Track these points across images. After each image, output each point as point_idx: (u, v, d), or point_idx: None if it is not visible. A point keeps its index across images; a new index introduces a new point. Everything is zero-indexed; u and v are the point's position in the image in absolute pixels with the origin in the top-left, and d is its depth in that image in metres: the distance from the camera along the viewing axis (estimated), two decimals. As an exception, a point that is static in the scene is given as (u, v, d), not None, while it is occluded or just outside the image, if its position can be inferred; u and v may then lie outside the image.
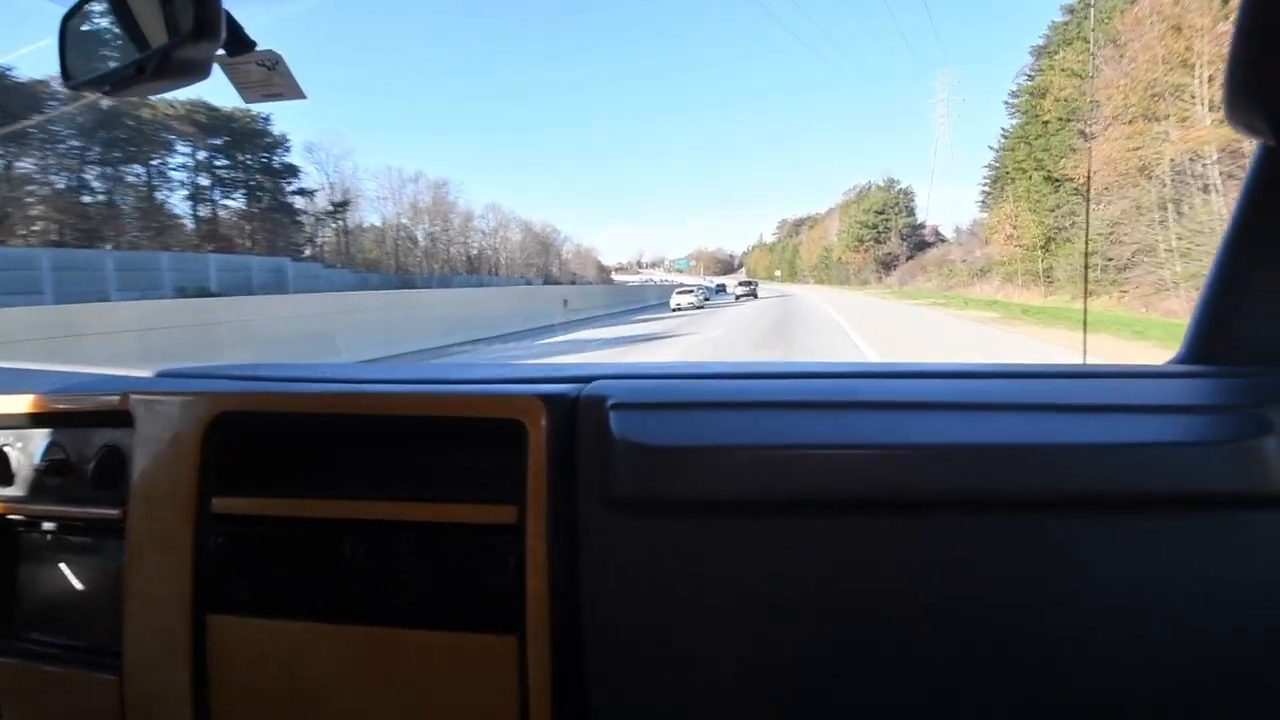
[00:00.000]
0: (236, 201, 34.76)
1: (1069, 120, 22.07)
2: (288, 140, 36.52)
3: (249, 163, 34.17)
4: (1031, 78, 25.60)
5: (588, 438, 0.64)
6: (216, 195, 33.16)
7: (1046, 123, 23.01)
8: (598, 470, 0.62)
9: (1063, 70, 22.61)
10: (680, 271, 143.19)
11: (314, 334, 12.12)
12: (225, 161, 33.45)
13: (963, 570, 0.58)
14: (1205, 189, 14.62)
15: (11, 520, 0.77)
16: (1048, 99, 23.05)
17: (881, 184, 52.60)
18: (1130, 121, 16.78)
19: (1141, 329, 10.49)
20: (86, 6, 0.70)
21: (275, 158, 35.65)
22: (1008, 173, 25.61)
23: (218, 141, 32.77)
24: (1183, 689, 0.57)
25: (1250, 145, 0.71)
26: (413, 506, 0.65)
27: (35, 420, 0.77)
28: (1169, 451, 0.57)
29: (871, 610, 0.59)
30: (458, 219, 57.61)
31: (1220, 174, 13.91)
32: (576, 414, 0.66)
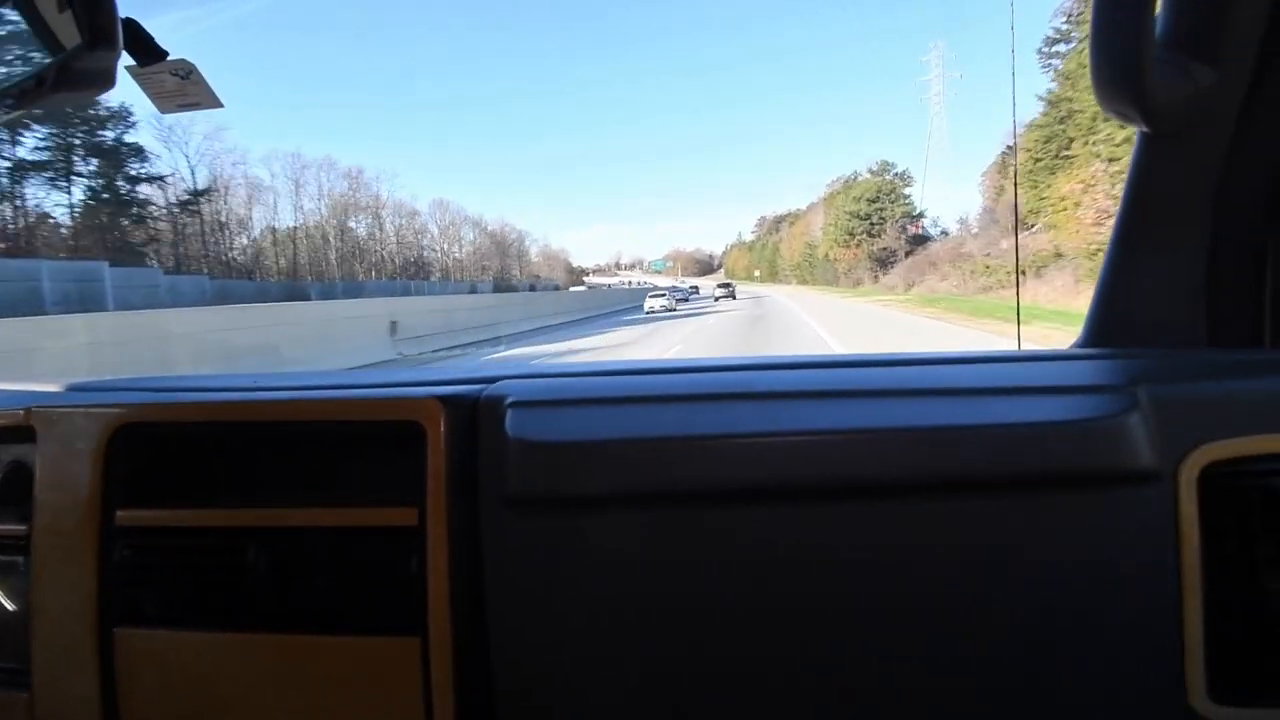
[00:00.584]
0: (65, 190, 27.08)
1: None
2: (132, 114, 28.59)
3: (78, 140, 26.74)
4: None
5: (487, 438, 0.65)
6: (29, 182, 25.72)
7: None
8: (497, 470, 0.63)
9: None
10: (658, 273, 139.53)
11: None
12: (41, 138, 26.08)
13: (856, 556, 0.60)
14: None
15: None
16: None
17: (874, 168, 45.62)
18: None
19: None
20: None
21: (112, 135, 28.03)
22: (1073, 124, 18.45)
23: (37, 112, 25.33)
24: (1059, 659, 0.59)
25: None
26: (315, 512, 0.65)
27: None
28: (1049, 430, 0.58)
29: (771, 599, 0.60)
30: (397, 217, 50.79)
31: None
32: (477, 414, 0.66)
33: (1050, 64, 22.67)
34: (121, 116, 28.25)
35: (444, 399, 0.65)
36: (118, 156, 28.78)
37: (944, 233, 38.80)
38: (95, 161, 28.02)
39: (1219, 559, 0.57)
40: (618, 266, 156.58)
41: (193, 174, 33.18)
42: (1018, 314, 1.42)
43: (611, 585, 0.61)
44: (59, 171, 26.99)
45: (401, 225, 51.58)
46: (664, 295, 30.29)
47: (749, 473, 0.60)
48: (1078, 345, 0.82)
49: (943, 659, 0.59)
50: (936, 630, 0.59)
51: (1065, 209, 17.66)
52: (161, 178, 31.13)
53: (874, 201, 42.84)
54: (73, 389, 0.80)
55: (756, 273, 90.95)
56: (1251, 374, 0.63)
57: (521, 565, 0.62)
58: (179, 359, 10.76)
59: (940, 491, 0.59)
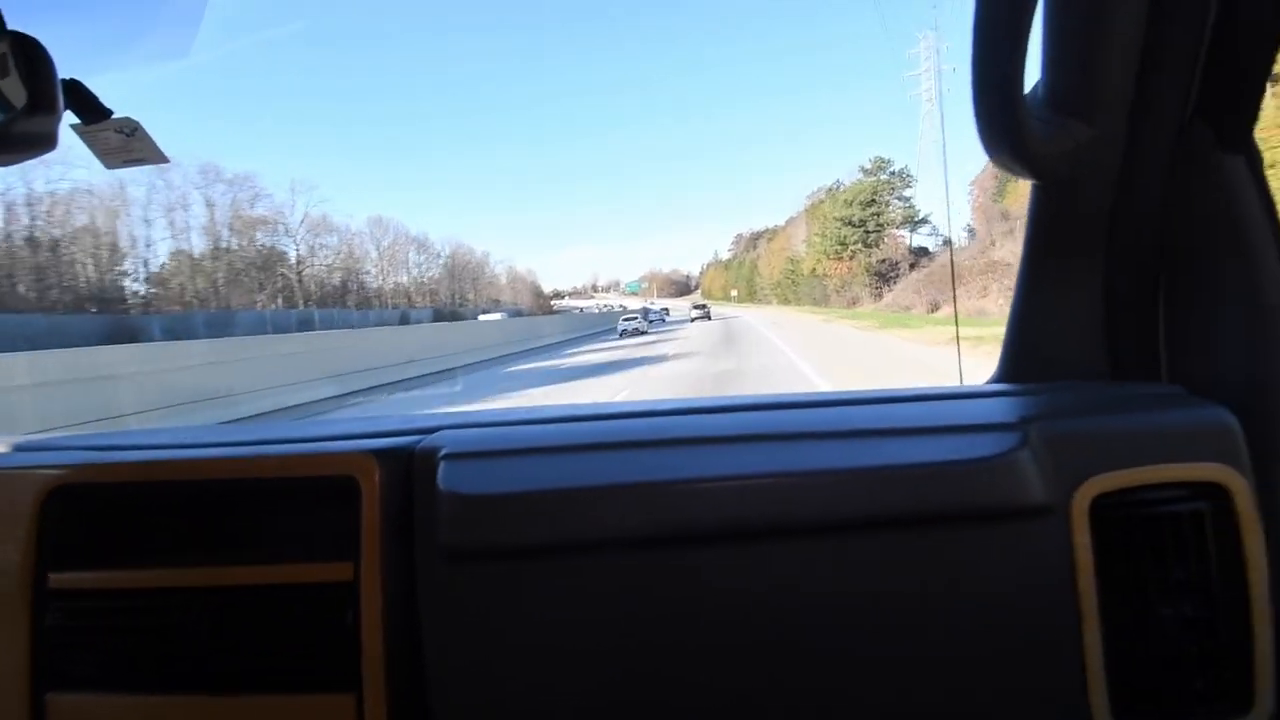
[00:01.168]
0: None
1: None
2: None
3: None
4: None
5: (423, 491, 0.66)
6: None
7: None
8: (432, 523, 0.64)
9: None
10: (633, 294, 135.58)
11: None
12: None
13: (782, 595, 0.62)
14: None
15: None
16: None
17: (867, 166, 37.99)
18: None
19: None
20: None
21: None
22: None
23: None
24: (970, 687, 0.62)
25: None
26: (250, 570, 0.66)
27: None
28: (952, 469, 0.62)
29: (709, 642, 0.62)
30: (321, 235, 44.21)
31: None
32: (412, 467, 0.68)
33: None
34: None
35: (378, 453, 0.67)
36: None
37: (946, 241, 32.96)
38: None
39: (1114, 586, 0.61)
40: (594, 289, 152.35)
41: None
42: (957, 344, 1.49)
43: (550, 637, 0.62)
44: None
45: (317, 244, 45.22)
46: (636, 318, 31.60)
47: (680, 518, 0.62)
48: (992, 380, 0.87)
49: (858, 690, 0.62)
50: (853, 663, 0.62)
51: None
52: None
53: (869, 205, 36.26)
54: (9, 448, 0.78)
55: (734, 292, 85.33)
56: (1140, 407, 0.67)
57: (459, 619, 0.63)
58: None
59: (858, 530, 0.62)
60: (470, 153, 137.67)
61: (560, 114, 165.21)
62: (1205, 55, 0.69)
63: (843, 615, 0.62)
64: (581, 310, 78.51)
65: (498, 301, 67.11)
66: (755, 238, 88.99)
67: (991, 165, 0.74)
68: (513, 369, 17.82)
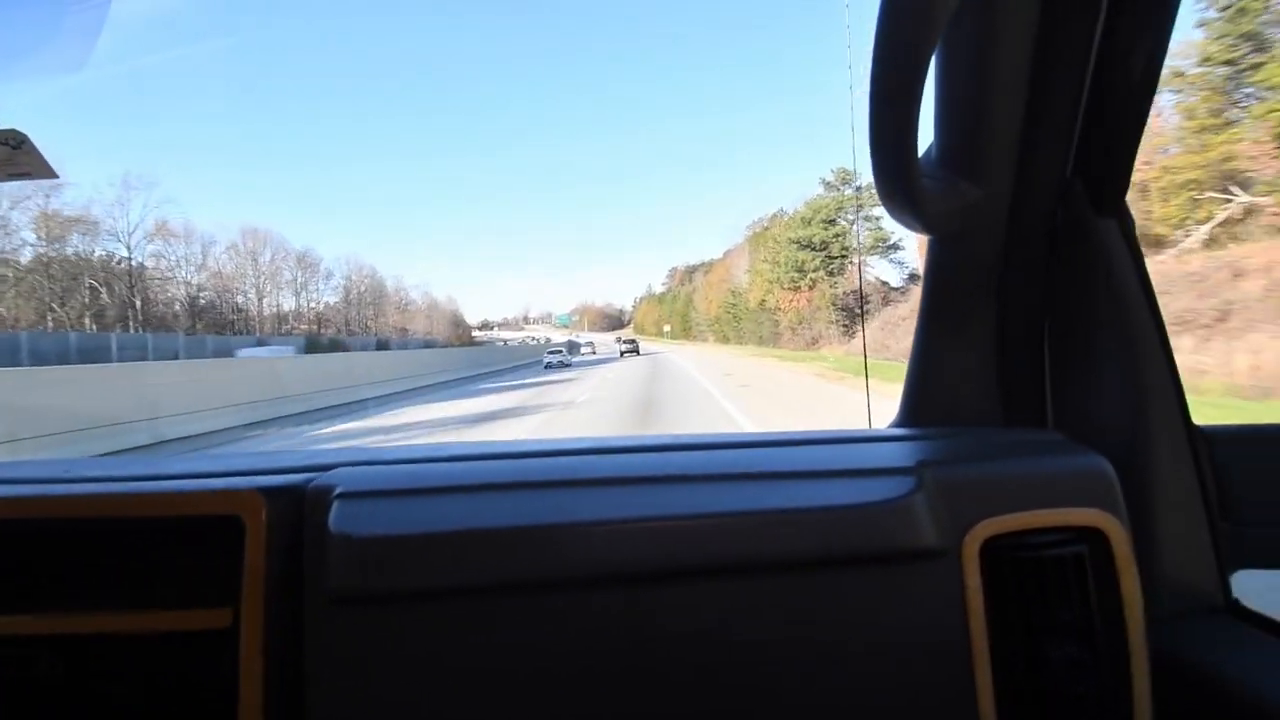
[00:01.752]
0: None
1: None
2: None
3: None
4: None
5: (313, 530, 0.62)
6: None
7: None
8: (321, 565, 0.61)
9: None
10: (564, 327, 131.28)
11: None
12: None
13: (683, 638, 0.62)
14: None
15: None
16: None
17: (829, 179, 31.57)
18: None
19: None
20: None
21: None
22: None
23: None
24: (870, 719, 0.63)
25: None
26: (119, 617, 0.61)
27: None
28: (851, 512, 0.63)
29: (613, 688, 0.61)
30: (174, 246, 35.50)
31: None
32: (303, 506, 0.63)
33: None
34: None
35: (266, 490, 0.63)
36: None
37: (912, 276, 27.89)
38: None
39: (1003, 627, 0.63)
40: (525, 320, 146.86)
41: None
42: (866, 384, 1.44)
43: (441, 686, 0.60)
44: None
45: (163, 255, 36.65)
46: (560, 351, 32.50)
47: (577, 560, 0.61)
48: (894, 424, 0.89)
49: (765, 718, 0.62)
50: (757, 703, 0.61)
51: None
52: None
53: (831, 225, 30.28)
54: None
55: (666, 328, 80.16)
56: (1027, 453, 0.69)
57: (345, 668, 0.59)
58: None
59: (764, 572, 0.62)
60: (388, 172, 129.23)
61: (485, 136, 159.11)
62: (1082, 119, 0.73)
63: (748, 656, 0.61)
64: (505, 342, 74.27)
65: (404, 330, 60.41)
66: (691, 271, 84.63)
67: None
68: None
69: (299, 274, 48.67)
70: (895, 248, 29.04)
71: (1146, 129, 0.72)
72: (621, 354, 39.79)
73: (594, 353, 55.90)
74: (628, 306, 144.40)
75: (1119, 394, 0.74)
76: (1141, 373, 0.73)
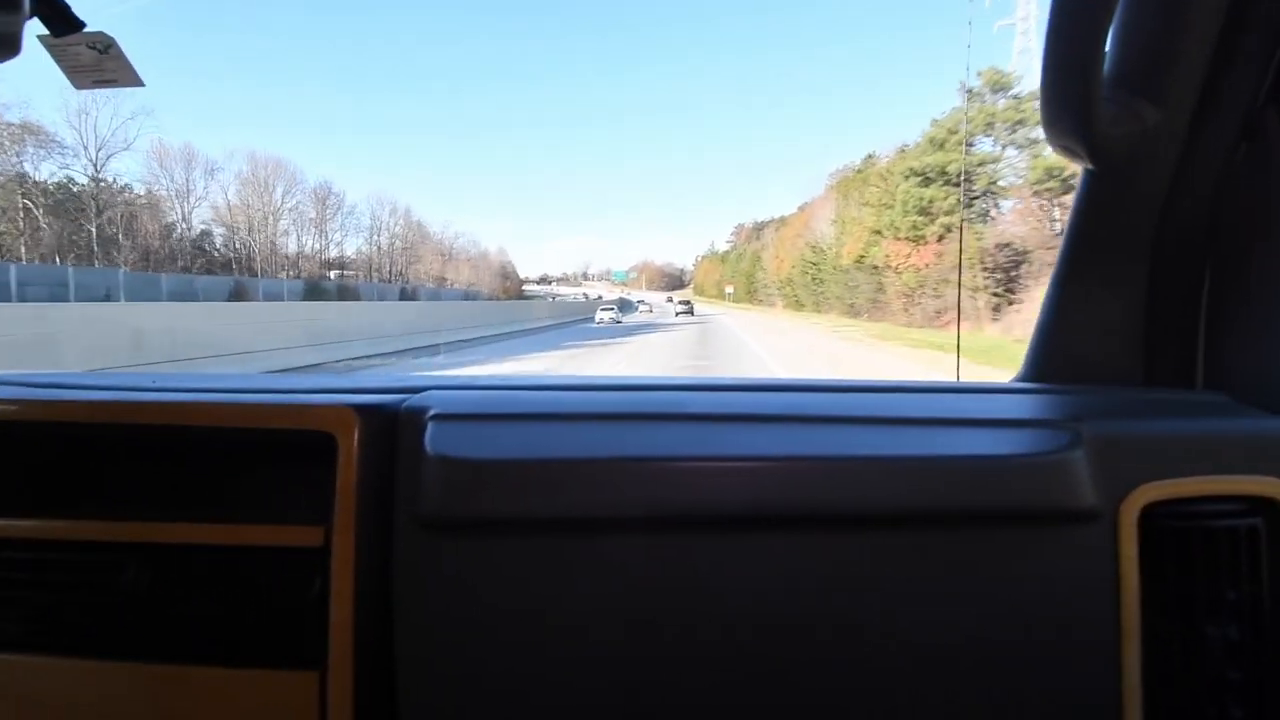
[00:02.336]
0: None
1: None
2: None
3: None
4: None
5: (407, 453, 0.60)
6: None
7: None
8: (414, 488, 0.59)
9: None
10: (620, 284, 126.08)
11: None
12: None
13: (800, 584, 0.58)
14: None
15: None
16: None
17: (976, 86, 20.38)
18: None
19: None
20: None
21: None
22: None
23: None
24: (996, 702, 0.58)
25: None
26: (205, 528, 0.60)
27: None
28: (994, 464, 0.58)
29: (703, 630, 0.58)
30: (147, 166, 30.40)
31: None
32: (397, 427, 0.61)
33: None
34: None
35: (360, 408, 0.61)
36: None
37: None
38: None
39: (1158, 602, 0.58)
40: (584, 276, 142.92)
41: None
42: (957, 344, 2.46)
43: (534, 619, 0.58)
44: None
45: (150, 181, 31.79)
46: (612, 309, 32.11)
47: (681, 498, 0.57)
48: (1017, 379, 0.82)
49: (878, 692, 0.58)
50: (869, 664, 0.58)
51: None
52: None
53: (973, 147, 20.25)
54: None
55: (729, 289, 72.41)
56: (1187, 414, 0.64)
57: (437, 595, 0.58)
58: None
59: (880, 524, 0.58)
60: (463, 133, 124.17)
61: (561, 102, 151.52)
62: None
63: (854, 614, 0.57)
64: (554, 298, 69.32)
65: (444, 280, 55.97)
66: (759, 227, 76.02)
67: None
68: None
69: (320, 210, 43.69)
70: (1070, 186, 19.00)
71: None
72: (676, 314, 40.76)
73: (650, 311, 53.75)
74: (689, 266, 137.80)
75: None
76: None
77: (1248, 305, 0.70)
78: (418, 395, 0.64)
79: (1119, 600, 0.57)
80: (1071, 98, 0.62)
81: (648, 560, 0.57)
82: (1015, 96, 21.04)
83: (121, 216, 31.03)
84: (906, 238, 22.11)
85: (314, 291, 31.74)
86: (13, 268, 19.95)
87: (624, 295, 73.26)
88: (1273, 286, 0.68)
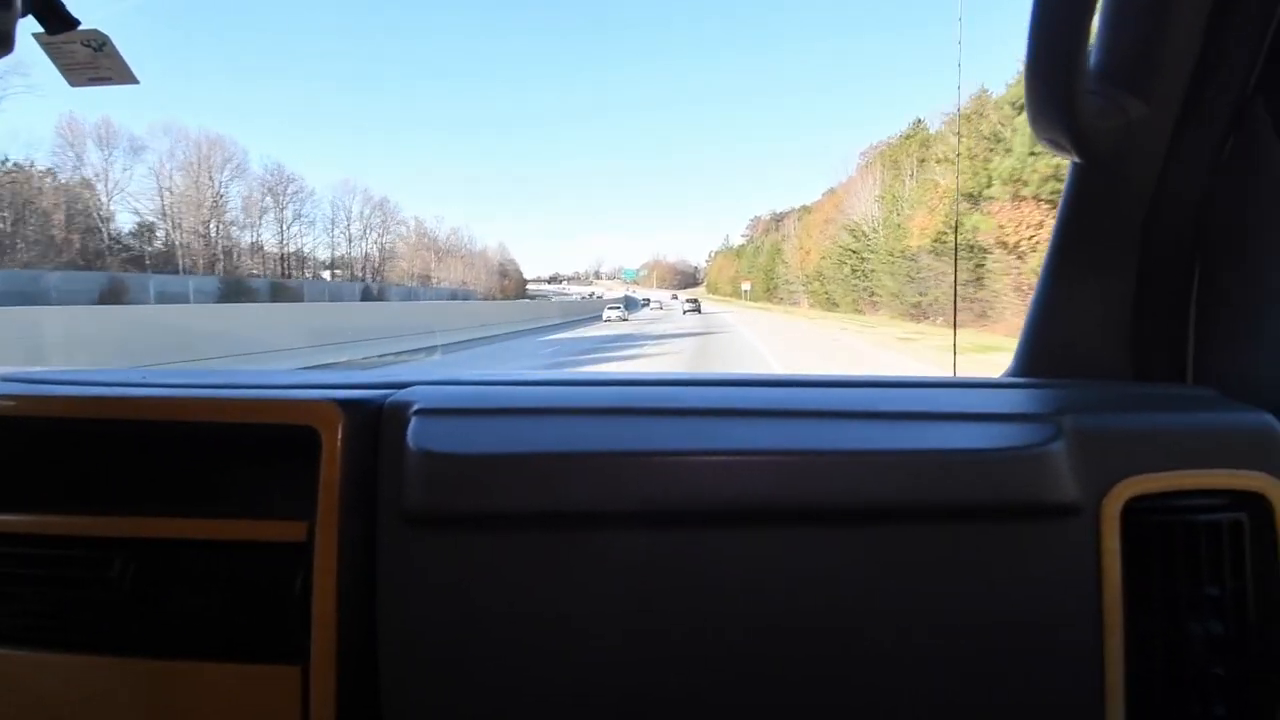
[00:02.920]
0: None
1: None
2: None
3: None
4: None
5: (390, 448, 0.61)
6: None
7: None
8: (397, 483, 0.59)
9: None
10: (631, 282, 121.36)
11: None
12: None
13: (787, 579, 0.58)
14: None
15: None
16: None
17: None
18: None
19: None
20: None
21: None
22: None
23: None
24: (977, 698, 0.58)
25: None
26: (189, 523, 0.60)
27: None
28: (978, 457, 0.58)
29: (688, 626, 0.58)
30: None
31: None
32: (380, 422, 0.62)
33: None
34: None
35: (344, 403, 0.61)
36: None
37: None
38: None
39: (1140, 598, 0.58)
40: (596, 275, 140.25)
41: None
42: (954, 341, 1.29)
43: (520, 616, 0.58)
44: None
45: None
46: (619, 307, 31.92)
47: (669, 492, 0.57)
48: (1007, 375, 0.83)
49: (858, 684, 0.58)
50: (850, 657, 0.58)
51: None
52: None
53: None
54: None
55: (746, 286, 65.81)
56: (1175, 408, 0.64)
57: (419, 589, 0.58)
58: None
59: (864, 518, 0.58)
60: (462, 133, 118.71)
61: (569, 99, 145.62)
62: (1272, 35, 0.66)
63: (840, 608, 0.57)
64: (552, 298, 64.04)
65: (428, 279, 50.55)
66: (779, 218, 69.46)
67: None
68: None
69: (268, 199, 37.95)
70: None
71: None
72: (684, 312, 40.96)
73: (661, 307, 53.98)
74: (701, 264, 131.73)
75: None
76: None
77: (1237, 298, 0.70)
78: (402, 390, 0.65)
79: (1101, 595, 0.56)
80: (1056, 90, 0.62)
81: (635, 555, 0.57)
82: None
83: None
84: (1036, 196, 13.95)
85: (235, 292, 25.95)
86: None
87: (629, 294, 70.00)
88: (1261, 279, 0.67)
